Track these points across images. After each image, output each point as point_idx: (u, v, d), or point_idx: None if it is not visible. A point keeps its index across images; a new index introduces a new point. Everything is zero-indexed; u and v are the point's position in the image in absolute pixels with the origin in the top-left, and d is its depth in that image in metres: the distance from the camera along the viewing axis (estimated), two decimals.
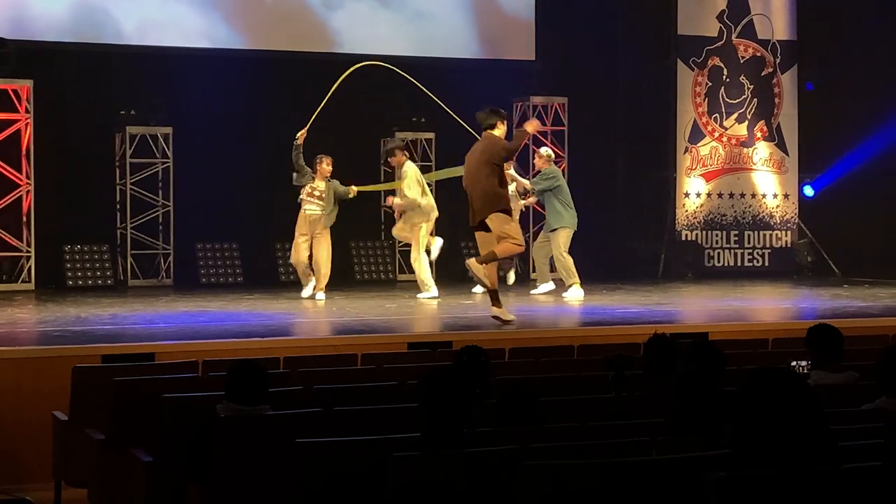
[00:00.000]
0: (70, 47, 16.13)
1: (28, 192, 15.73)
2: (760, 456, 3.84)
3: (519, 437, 5.26)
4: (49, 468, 8.15)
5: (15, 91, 15.64)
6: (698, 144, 18.69)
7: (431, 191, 15.02)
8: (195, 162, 16.64)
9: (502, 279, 13.60)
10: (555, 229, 14.68)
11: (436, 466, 4.90)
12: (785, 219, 19.11)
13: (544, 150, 15.34)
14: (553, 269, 14.96)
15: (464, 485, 4.86)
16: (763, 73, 19.02)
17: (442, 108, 15.22)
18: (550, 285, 14.75)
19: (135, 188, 16.49)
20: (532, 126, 12.20)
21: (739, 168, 18.93)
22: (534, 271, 16.34)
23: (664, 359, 6.78)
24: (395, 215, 14.80)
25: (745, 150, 18.94)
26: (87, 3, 16.14)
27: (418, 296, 14.20)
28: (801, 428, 3.86)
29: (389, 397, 6.87)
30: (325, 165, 14.32)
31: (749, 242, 18.92)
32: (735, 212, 18.87)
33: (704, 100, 18.73)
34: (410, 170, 14.53)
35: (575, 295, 14.21)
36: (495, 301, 11.40)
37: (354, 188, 14.43)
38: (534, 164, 15.63)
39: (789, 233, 19.11)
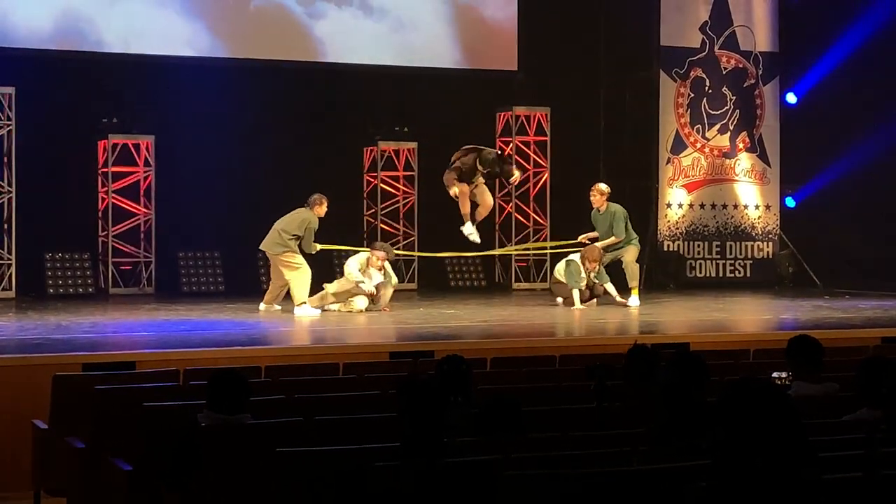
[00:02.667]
0: (53, 55, 16.10)
1: (9, 199, 15.69)
2: (741, 466, 3.84)
3: (500, 446, 5.26)
4: (29, 477, 8.11)
5: None
6: (680, 155, 18.73)
7: None
8: (177, 171, 16.62)
9: None
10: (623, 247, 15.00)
11: (417, 476, 4.90)
12: (766, 230, 19.16)
13: (604, 186, 15.18)
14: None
15: (445, 494, 4.85)
16: (745, 85, 19.07)
17: (427, 119, 15.24)
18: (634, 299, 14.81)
19: (116, 196, 16.46)
20: None
21: (721, 179, 18.98)
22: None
23: (645, 369, 6.79)
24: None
25: (727, 161, 18.99)
26: (71, 10, 16.11)
27: None
28: (781, 439, 3.87)
29: (371, 407, 6.86)
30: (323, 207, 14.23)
31: (731, 253, 18.95)
32: (717, 223, 18.91)
33: (687, 111, 18.77)
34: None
35: (634, 302, 14.67)
36: None
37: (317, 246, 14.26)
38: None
39: (771, 244, 19.15)
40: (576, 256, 14.68)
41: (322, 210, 13.99)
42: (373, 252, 14.05)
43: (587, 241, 15.16)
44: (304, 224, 13.79)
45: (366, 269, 13.87)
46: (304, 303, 13.56)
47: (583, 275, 14.55)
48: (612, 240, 14.93)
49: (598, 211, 15.08)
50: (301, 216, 13.86)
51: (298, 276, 13.69)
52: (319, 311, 13.70)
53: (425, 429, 5.07)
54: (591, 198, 15.13)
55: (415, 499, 4.83)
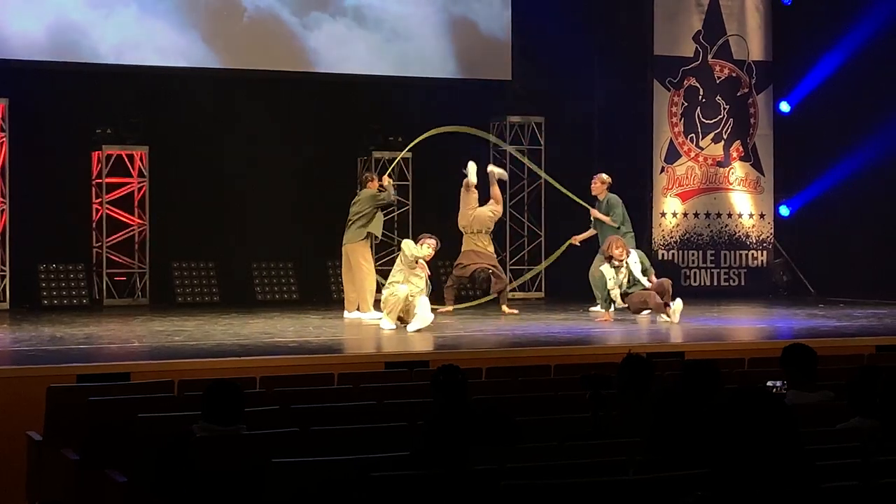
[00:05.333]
0: (46, 66, 16.08)
1: (3, 210, 15.67)
2: (738, 475, 3.84)
3: (496, 456, 5.25)
4: (23, 489, 8.09)
5: None
6: (674, 164, 18.75)
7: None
8: (172, 181, 16.62)
9: None
10: None
11: (414, 486, 4.89)
12: (761, 239, 19.17)
13: (606, 176, 15.47)
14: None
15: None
16: (739, 94, 19.10)
17: (422, 129, 15.26)
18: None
19: (111, 207, 16.45)
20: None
21: (715, 188, 18.99)
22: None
23: (639, 378, 6.78)
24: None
25: (721, 170, 19.01)
26: (64, 21, 16.10)
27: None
28: (778, 447, 3.87)
29: (366, 417, 6.86)
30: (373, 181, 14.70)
31: (725, 262, 18.97)
32: (711, 231, 18.92)
33: (681, 120, 18.79)
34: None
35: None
36: None
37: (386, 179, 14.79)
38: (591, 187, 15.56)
39: (765, 253, 19.17)
40: (605, 267, 14.08)
41: (376, 184, 14.55)
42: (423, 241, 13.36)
43: (577, 243, 15.44)
44: (363, 197, 14.26)
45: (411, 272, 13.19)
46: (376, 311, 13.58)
47: (610, 278, 13.85)
48: (608, 219, 15.13)
49: (597, 200, 15.34)
50: (361, 196, 14.35)
51: (364, 280, 13.93)
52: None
53: (437, 439, 5.05)
54: (592, 185, 15.49)
55: None
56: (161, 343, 11.61)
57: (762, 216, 19.20)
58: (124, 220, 16.52)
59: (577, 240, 15.64)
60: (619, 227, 15.10)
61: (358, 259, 14.20)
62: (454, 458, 5.02)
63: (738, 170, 19.09)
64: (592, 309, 14.92)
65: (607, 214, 15.26)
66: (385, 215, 17.66)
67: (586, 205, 15.55)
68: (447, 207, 15.84)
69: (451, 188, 15.78)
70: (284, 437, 6.20)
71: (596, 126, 19.27)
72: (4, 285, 15.68)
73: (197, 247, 16.89)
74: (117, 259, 16.47)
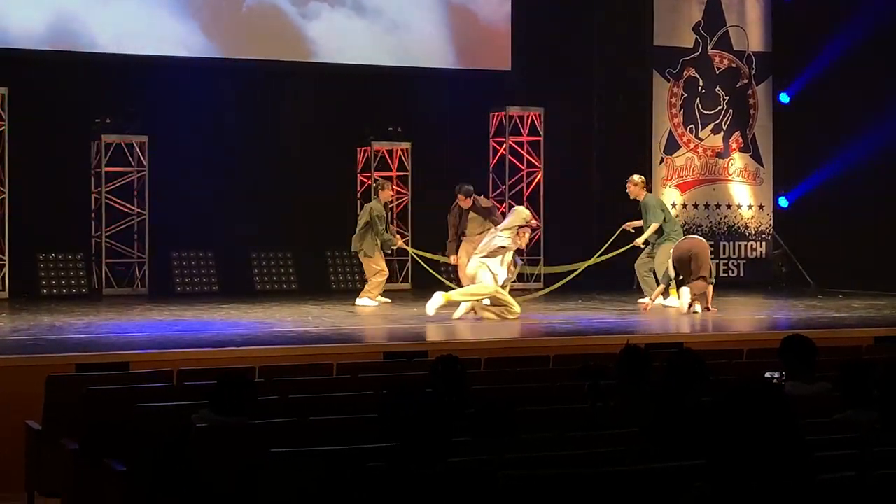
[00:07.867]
0: (46, 55, 16.08)
1: (2, 199, 15.67)
2: (738, 467, 3.85)
3: (495, 448, 5.26)
4: (22, 478, 8.10)
5: None
6: (674, 155, 18.74)
7: None
8: (171, 171, 16.61)
9: None
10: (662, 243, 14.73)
11: (411, 477, 4.89)
12: (760, 230, 19.18)
13: (637, 177, 15.21)
14: None
15: (440, 496, 4.85)
16: (738, 85, 19.09)
17: (421, 119, 15.24)
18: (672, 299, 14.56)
19: (110, 196, 16.44)
20: None
21: (715, 179, 18.99)
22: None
23: (637, 369, 6.78)
24: None
25: (721, 161, 19.01)
26: (64, 11, 16.09)
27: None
28: (778, 439, 3.87)
29: (365, 407, 6.86)
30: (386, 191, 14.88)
31: (724, 253, 18.97)
32: (710, 222, 18.92)
33: (680, 111, 18.78)
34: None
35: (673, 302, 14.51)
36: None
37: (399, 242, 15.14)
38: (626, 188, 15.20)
39: (764, 244, 19.17)
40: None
41: (386, 195, 14.85)
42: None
43: (632, 230, 15.16)
44: (366, 212, 14.51)
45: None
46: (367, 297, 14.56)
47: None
48: (651, 229, 14.79)
49: (638, 202, 15.04)
50: (366, 207, 14.67)
51: (375, 278, 14.59)
52: (377, 302, 14.49)
53: (426, 431, 5.05)
54: (627, 189, 15.15)
55: (409, 499, 4.82)
56: (160, 332, 11.61)
57: (761, 207, 19.20)
58: (123, 209, 16.51)
59: (630, 226, 15.23)
60: (665, 228, 14.78)
61: (366, 266, 14.84)
62: (451, 450, 5.02)
63: (737, 161, 19.09)
64: (641, 301, 14.76)
65: (645, 217, 14.85)
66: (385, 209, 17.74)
67: (631, 228, 15.22)
68: (445, 201, 15.85)
69: (450, 179, 15.77)
70: (283, 427, 6.21)
71: (595, 117, 19.26)
72: (3, 274, 15.67)
73: (196, 236, 16.89)
74: (116, 248, 16.46)
